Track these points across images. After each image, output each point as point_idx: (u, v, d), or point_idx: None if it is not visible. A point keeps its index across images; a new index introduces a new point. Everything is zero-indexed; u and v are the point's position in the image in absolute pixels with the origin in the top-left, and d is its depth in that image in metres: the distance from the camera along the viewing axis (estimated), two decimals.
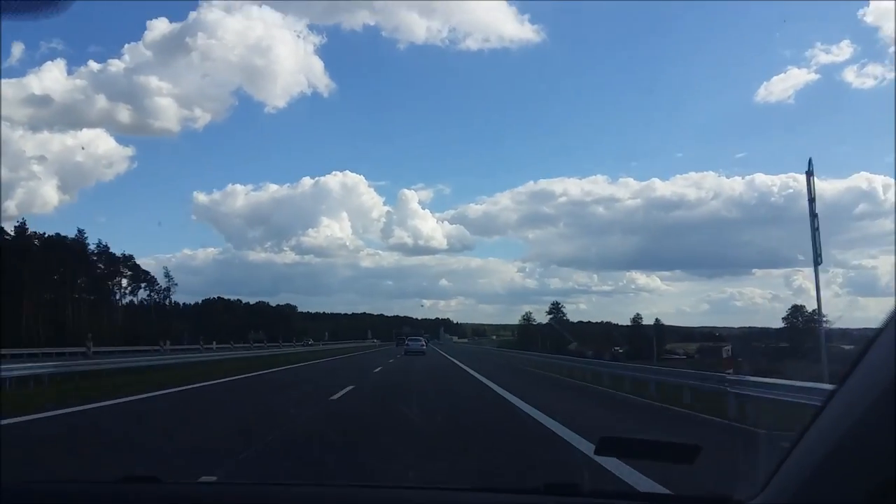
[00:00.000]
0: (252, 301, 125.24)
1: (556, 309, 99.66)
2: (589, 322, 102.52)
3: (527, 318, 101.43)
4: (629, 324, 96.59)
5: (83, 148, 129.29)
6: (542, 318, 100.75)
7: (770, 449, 2.28)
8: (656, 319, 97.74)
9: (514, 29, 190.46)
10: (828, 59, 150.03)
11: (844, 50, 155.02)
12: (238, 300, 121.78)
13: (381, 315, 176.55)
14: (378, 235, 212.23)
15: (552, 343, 73.33)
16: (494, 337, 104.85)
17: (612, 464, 5.42)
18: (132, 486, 1.65)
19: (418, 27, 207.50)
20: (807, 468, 1.06)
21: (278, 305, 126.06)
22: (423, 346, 50.15)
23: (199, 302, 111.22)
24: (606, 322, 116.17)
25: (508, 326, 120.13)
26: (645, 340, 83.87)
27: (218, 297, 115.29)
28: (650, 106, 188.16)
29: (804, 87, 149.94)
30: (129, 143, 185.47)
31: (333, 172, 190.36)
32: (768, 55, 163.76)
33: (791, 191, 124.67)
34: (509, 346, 65.83)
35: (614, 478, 5.23)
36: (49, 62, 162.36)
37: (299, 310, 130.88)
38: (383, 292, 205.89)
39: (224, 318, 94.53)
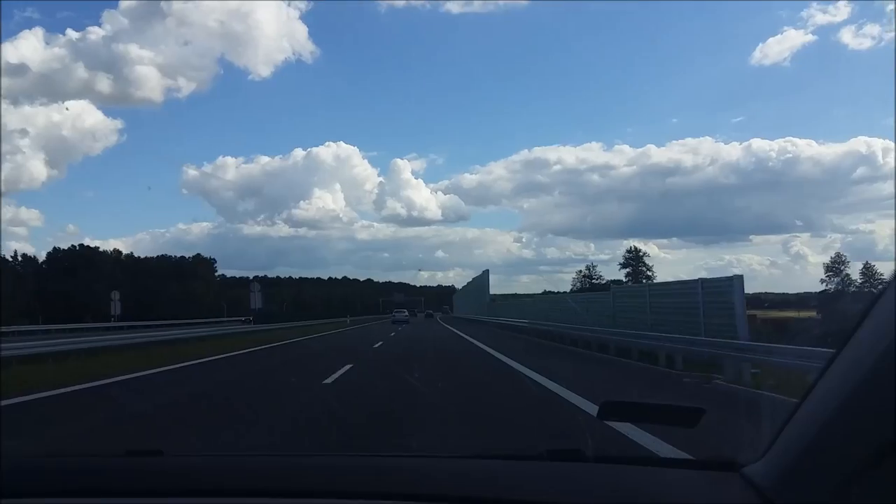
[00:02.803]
0: (148, 256, 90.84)
1: (635, 258, 66.70)
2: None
3: (589, 274, 69.93)
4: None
5: (66, 108, 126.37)
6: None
7: (774, 413, 2.16)
8: None
9: None
10: (825, 20, 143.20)
11: (842, 10, 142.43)
12: (111, 250, 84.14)
13: (370, 280, 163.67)
14: (372, 207, 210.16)
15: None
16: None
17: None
18: (136, 459, 1.65)
19: None
20: (808, 431, 1.06)
21: (182, 259, 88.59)
22: (406, 316, 60.91)
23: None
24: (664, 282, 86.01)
25: (526, 295, 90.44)
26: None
27: (70, 247, 79.22)
28: (644, 70, 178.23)
29: (801, 49, 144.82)
30: (112, 114, 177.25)
31: (327, 143, 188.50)
32: (763, 16, 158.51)
33: (789, 155, 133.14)
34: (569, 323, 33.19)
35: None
36: (26, 31, 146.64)
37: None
38: (380, 264, 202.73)
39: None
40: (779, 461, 1.13)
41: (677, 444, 4.82)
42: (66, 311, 52.09)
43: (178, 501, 1.36)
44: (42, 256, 76.55)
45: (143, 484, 1.43)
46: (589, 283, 66.07)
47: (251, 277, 70.02)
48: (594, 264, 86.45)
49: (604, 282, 64.44)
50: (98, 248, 79.95)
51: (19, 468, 1.54)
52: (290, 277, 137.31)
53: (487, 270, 60.56)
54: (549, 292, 65.93)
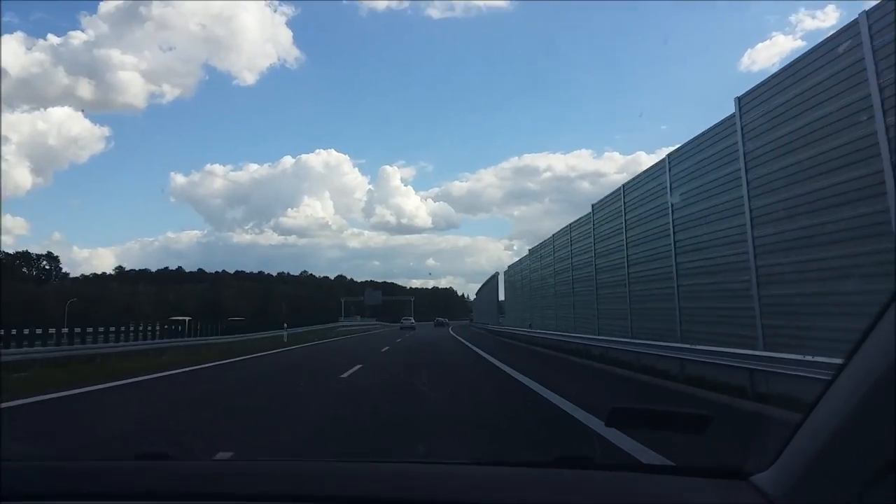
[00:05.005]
0: None
1: None
2: None
3: None
4: None
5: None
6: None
7: (782, 423, 2.27)
8: None
9: None
10: (813, 25, 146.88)
11: (830, 15, 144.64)
12: None
13: (341, 277, 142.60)
14: (361, 215, 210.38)
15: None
16: None
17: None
18: (144, 462, 1.68)
19: None
20: (817, 442, 1.06)
21: None
22: (412, 323, 62.70)
23: None
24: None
25: None
26: None
27: None
28: (632, 77, 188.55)
29: (790, 55, 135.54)
30: (97, 121, 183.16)
31: (316, 151, 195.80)
32: (752, 21, 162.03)
33: None
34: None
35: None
36: (6, 35, 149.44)
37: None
38: (372, 272, 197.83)
39: None
40: (788, 471, 1.14)
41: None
42: None
43: None
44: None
45: (151, 487, 1.44)
46: None
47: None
48: None
49: None
50: None
51: (23, 472, 1.54)
52: (203, 271, 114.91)
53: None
54: None
